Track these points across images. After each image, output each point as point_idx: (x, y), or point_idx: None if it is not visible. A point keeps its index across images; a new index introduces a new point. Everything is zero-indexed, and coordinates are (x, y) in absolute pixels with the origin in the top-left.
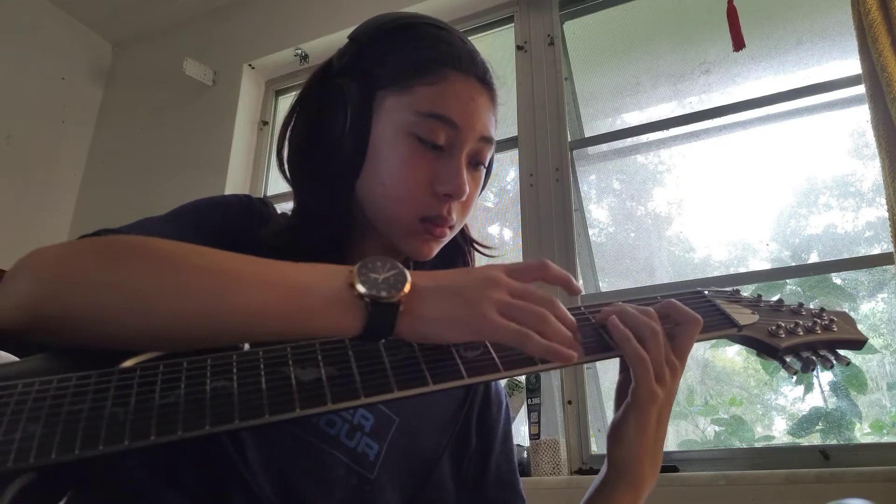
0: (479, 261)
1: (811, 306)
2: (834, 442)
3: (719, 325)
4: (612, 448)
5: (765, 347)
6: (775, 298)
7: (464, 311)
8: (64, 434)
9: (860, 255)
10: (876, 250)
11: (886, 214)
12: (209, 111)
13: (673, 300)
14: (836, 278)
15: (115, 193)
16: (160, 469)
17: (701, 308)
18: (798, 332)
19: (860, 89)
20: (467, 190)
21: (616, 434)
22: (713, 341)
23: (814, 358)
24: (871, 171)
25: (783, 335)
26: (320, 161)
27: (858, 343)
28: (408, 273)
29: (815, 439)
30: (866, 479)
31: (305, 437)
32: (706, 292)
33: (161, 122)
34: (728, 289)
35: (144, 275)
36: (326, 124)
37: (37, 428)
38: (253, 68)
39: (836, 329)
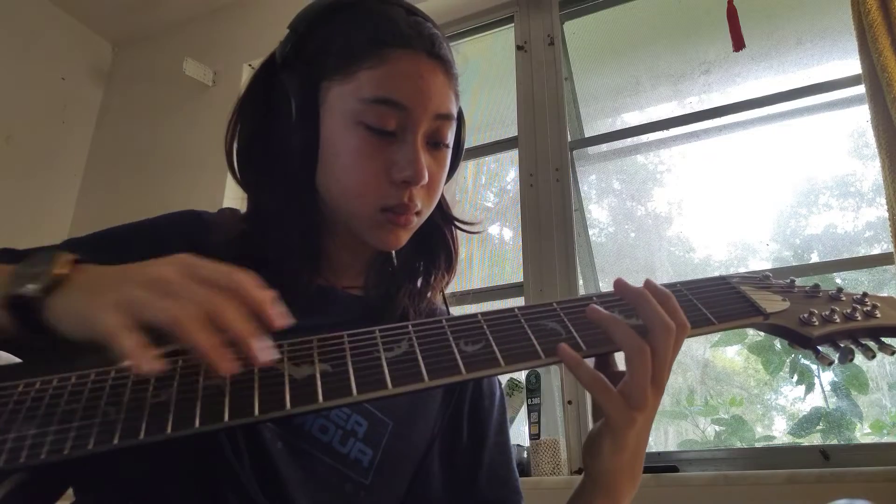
0: (464, 239)
1: (852, 291)
2: (834, 442)
3: (743, 313)
4: (588, 460)
5: (796, 337)
6: (811, 284)
7: (85, 307)
8: (57, 434)
9: (860, 255)
10: (876, 250)
11: (886, 214)
12: (209, 111)
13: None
14: (837, 278)
15: (115, 193)
16: (158, 470)
17: (722, 295)
18: (834, 320)
19: (860, 89)
20: (426, 174)
21: (592, 448)
22: (713, 341)
23: (853, 347)
24: (871, 171)
25: (816, 323)
26: (273, 163)
27: None
28: (60, 267)
29: (815, 439)
30: (866, 479)
31: (298, 444)
32: (731, 278)
33: (161, 122)
34: (757, 274)
35: None
36: (273, 123)
37: (30, 428)
38: (253, 68)
39: (879, 315)
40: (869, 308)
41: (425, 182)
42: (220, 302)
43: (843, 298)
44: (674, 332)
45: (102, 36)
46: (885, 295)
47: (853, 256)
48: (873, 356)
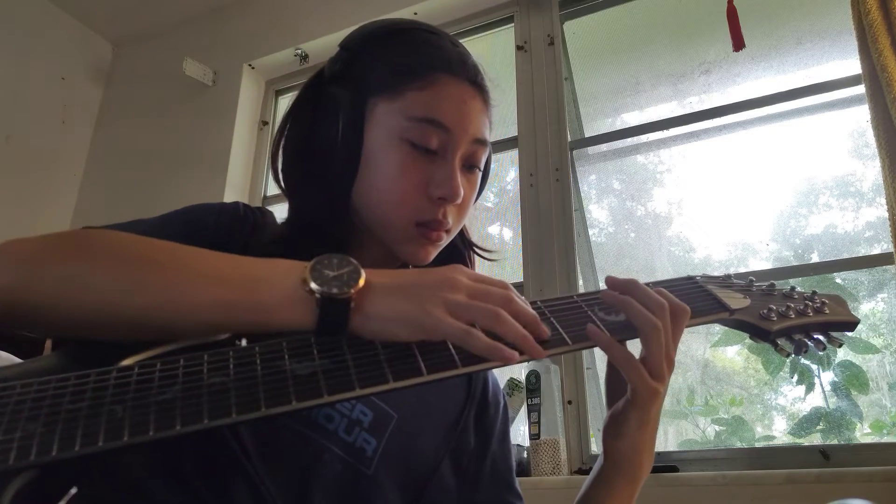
0: (480, 264)
1: (803, 290)
2: (834, 442)
3: (711, 309)
4: (612, 442)
5: (757, 331)
6: (767, 283)
7: (412, 309)
8: (64, 432)
9: (860, 255)
10: (876, 250)
11: (886, 214)
12: (209, 111)
13: (661, 289)
14: (837, 278)
15: (115, 193)
16: (163, 468)
17: (692, 293)
18: (790, 315)
19: (860, 89)
20: (462, 192)
21: (616, 429)
22: (713, 341)
23: (806, 340)
24: (871, 171)
25: (775, 318)
26: (315, 170)
27: (850, 325)
28: (363, 271)
29: (815, 439)
30: (866, 479)
31: (304, 433)
32: (697, 278)
33: (161, 122)
34: (719, 274)
35: (103, 268)
36: (320, 133)
37: (37, 426)
38: (253, 68)
39: (827, 311)
40: (818, 305)
41: (460, 200)
42: (513, 300)
43: (796, 296)
44: (668, 308)
45: (102, 36)
46: (832, 293)
47: (853, 256)
48: (824, 348)
